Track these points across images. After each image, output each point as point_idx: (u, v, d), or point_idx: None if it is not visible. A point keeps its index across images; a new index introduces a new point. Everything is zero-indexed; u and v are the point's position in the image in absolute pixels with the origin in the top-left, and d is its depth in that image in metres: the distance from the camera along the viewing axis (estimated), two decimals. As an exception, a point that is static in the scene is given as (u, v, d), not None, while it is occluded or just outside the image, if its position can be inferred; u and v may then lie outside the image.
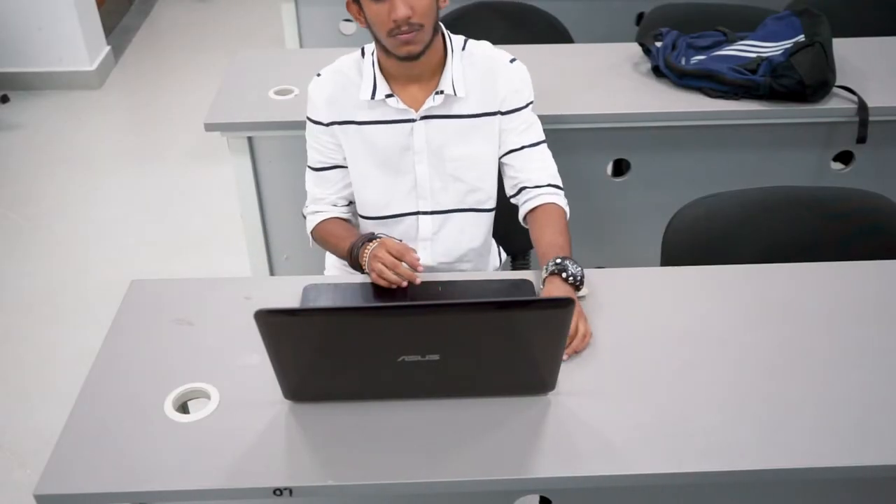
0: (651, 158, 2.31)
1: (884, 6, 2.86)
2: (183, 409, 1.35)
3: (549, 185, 1.73)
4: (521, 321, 1.25)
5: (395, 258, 1.54)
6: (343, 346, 1.24)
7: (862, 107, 2.18)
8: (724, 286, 1.60)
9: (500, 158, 1.75)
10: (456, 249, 1.80)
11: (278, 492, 1.20)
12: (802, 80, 2.15)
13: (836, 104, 2.22)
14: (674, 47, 2.33)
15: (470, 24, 2.71)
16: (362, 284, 1.59)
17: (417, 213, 1.77)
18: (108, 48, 4.35)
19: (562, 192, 1.75)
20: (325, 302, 1.54)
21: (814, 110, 2.21)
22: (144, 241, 3.18)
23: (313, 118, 1.72)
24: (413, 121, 1.67)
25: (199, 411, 1.32)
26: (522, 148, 1.74)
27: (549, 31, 2.72)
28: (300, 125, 2.09)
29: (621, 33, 2.97)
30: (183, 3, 5.16)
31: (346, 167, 1.75)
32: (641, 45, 2.40)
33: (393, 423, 1.30)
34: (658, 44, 2.35)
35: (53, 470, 1.22)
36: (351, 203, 1.81)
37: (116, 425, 1.29)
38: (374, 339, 1.24)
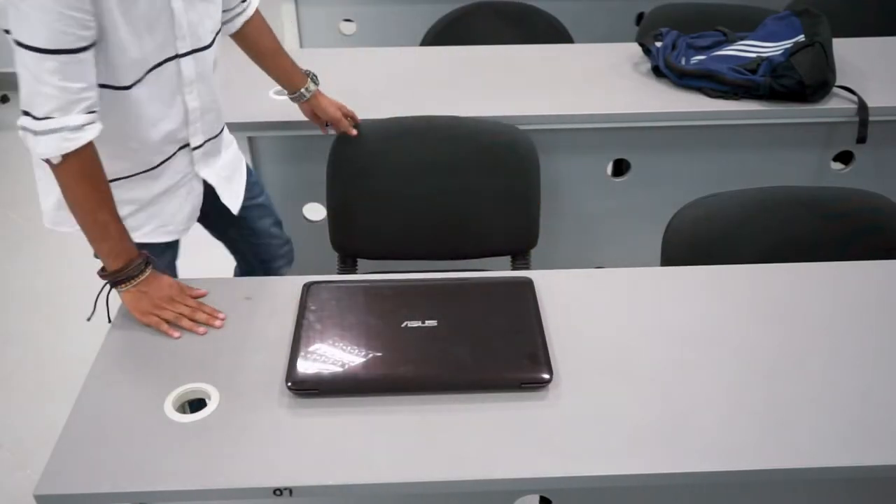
0: (651, 158, 2.31)
1: (884, 6, 2.86)
2: (183, 409, 1.35)
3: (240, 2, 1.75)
4: (490, 295, 1.54)
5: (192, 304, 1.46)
6: (363, 313, 1.48)
7: (862, 107, 2.19)
8: (724, 286, 1.60)
9: None
10: (208, 82, 1.61)
11: (278, 492, 1.20)
12: (802, 80, 2.16)
13: (836, 104, 2.22)
14: (674, 47, 2.34)
15: (470, 24, 2.71)
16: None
17: (176, 56, 1.52)
18: (108, 48, 4.34)
19: None
20: (326, 298, 1.53)
21: (814, 110, 2.21)
22: (144, 241, 3.18)
23: None
24: None
25: (199, 411, 1.32)
26: None
27: (549, 31, 2.72)
28: (300, 125, 2.09)
29: (621, 33, 2.98)
30: (183, 3, 5.16)
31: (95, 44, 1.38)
32: (641, 45, 2.41)
33: (393, 423, 1.30)
34: (658, 44, 2.35)
35: (53, 470, 1.22)
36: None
37: (116, 425, 1.29)
38: (386, 307, 1.51)
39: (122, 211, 1.50)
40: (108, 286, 1.48)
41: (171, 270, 1.80)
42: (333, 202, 2.05)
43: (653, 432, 1.29)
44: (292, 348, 1.40)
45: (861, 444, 1.27)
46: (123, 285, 1.46)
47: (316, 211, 2.31)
